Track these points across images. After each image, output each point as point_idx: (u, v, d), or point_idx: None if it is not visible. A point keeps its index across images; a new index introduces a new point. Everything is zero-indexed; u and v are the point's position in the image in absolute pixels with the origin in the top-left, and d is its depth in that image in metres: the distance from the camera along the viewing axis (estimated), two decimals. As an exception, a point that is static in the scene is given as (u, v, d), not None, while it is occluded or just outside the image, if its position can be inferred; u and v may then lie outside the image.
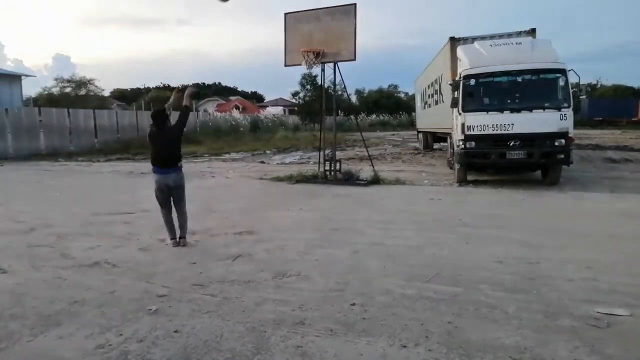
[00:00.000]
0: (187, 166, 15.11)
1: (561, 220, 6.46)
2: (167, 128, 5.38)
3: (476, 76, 9.57)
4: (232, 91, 80.00)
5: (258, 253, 5.08)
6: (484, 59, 9.77)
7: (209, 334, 3.13)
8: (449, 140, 12.57)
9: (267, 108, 56.60)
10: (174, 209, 5.52)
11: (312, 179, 10.93)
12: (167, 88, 65.54)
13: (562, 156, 9.12)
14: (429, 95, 17.32)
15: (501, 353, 2.81)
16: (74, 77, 32.76)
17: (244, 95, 75.90)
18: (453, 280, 4.08)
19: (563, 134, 9.05)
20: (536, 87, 9.37)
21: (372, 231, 5.98)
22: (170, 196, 5.45)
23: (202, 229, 6.25)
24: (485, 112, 9.43)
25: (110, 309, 3.60)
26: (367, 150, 13.01)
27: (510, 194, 8.85)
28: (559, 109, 9.08)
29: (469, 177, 10.33)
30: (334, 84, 11.08)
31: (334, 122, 12.36)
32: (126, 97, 55.79)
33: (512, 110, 9.24)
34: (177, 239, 5.45)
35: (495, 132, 9.29)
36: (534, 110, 9.13)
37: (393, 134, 36.43)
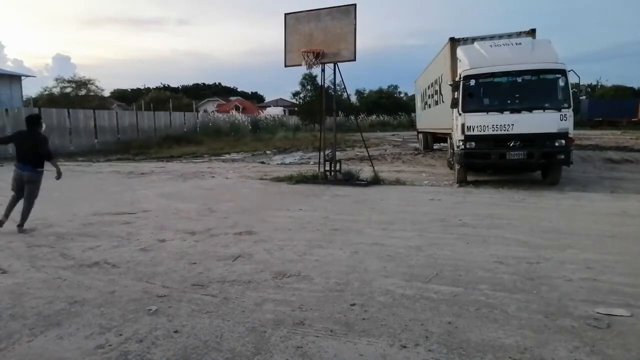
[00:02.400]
0: (187, 166, 15.23)
1: (561, 220, 6.46)
2: (38, 137, 6.24)
3: (476, 77, 9.57)
4: (232, 91, 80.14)
5: (258, 253, 5.08)
6: (484, 60, 9.77)
7: (209, 334, 3.13)
8: (449, 140, 12.57)
9: (268, 108, 56.67)
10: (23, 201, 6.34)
11: (312, 180, 10.94)
12: (167, 88, 65.65)
13: (562, 156, 9.13)
14: (429, 96, 17.33)
15: (501, 353, 2.81)
16: (75, 77, 32.98)
17: (244, 95, 76.03)
18: (453, 281, 4.08)
19: (563, 135, 9.06)
20: (536, 87, 9.38)
21: (372, 231, 5.98)
22: (23, 188, 6.24)
23: (202, 229, 6.26)
24: (485, 113, 9.44)
25: (110, 309, 3.60)
26: (367, 151, 13.03)
27: (510, 194, 8.86)
28: (559, 110, 9.09)
29: (469, 178, 10.34)
30: (334, 84, 11.10)
31: (334, 122, 12.37)
32: (126, 98, 55.71)
33: (512, 111, 9.25)
34: (4, 221, 6.16)
35: (495, 132, 9.29)
36: (534, 111, 9.14)
37: (393, 135, 36.48)
